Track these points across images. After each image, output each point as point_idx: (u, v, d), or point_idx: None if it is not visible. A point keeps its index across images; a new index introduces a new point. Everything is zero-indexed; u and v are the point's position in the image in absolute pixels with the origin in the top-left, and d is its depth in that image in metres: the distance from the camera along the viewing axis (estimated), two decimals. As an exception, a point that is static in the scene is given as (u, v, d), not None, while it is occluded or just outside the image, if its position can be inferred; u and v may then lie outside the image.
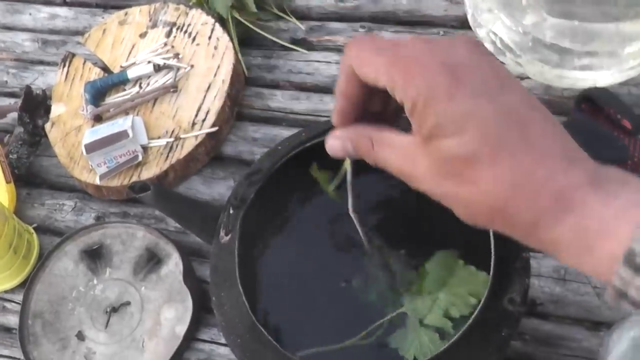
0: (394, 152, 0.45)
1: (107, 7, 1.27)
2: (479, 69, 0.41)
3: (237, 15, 1.07)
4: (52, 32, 1.27)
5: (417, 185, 0.44)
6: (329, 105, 1.04)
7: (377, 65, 0.43)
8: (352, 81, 0.46)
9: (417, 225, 0.73)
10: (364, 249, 0.67)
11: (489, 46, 0.95)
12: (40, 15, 1.30)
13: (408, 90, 0.41)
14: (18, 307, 0.98)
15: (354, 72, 0.46)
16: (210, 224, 0.78)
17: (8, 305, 1.00)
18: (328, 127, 0.74)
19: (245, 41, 1.11)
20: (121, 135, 0.98)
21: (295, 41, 1.11)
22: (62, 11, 1.29)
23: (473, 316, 0.61)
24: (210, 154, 1.02)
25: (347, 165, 0.58)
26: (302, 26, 1.12)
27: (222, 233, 0.74)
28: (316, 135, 0.74)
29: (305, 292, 0.74)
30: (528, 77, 0.96)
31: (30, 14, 1.31)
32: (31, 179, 1.11)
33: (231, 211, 0.73)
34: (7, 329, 0.98)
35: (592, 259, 0.38)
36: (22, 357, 0.91)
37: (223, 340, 0.88)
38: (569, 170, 0.39)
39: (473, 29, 0.99)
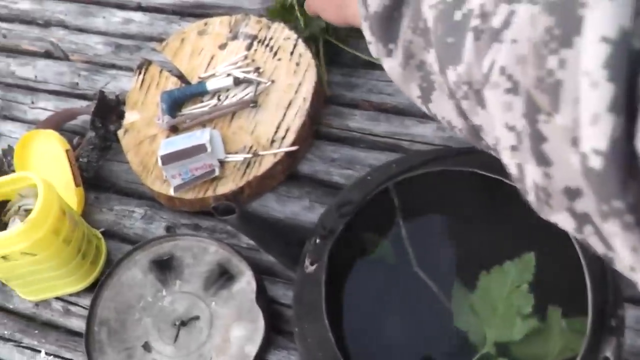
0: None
1: (184, 15, 1.26)
2: None
3: (328, 37, 1.07)
4: (126, 36, 1.28)
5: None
6: (410, 129, 1.02)
7: None
8: None
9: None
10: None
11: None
12: (114, 19, 1.30)
13: None
14: (82, 311, 0.98)
15: None
16: (292, 250, 0.77)
17: (72, 308, 1.00)
18: (419, 162, 0.73)
19: (330, 59, 1.10)
20: (199, 149, 0.97)
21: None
22: (137, 16, 1.29)
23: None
24: (287, 172, 1.01)
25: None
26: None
27: (307, 262, 0.73)
28: (407, 169, 0.72)
29: (387, 329, 0.73)
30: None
31: (104, 17, 1.31)
32: (100, 183, 1.10)
33: (318, 241, 0.72)
34: (71, 332, 0.98)
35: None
36: (86, 363, 0.91)
37: (297, 365, 0.87)
38: None
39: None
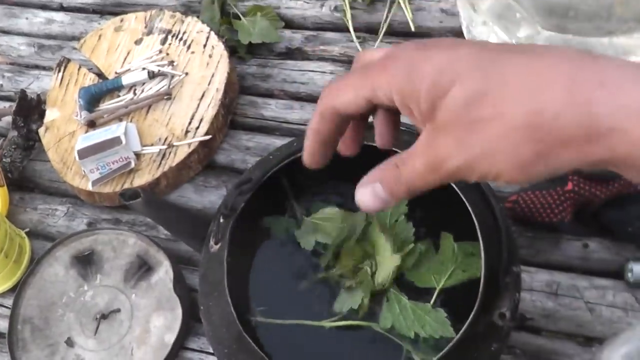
0: (418, 157, 0.39)
1: (104, 13, 1.27)
2: (441, 40, 0.40)
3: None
4: (49, 36, 1.28)
5: (455, 171, 0.38)
6: (323, 115, 1.03)
7: (353, 86, 0.42)
8: (327, 117, 0.44)
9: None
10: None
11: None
12: (37, 19, 1.30)
13: (391, 85, 0.39)
14: (8, 312, 0.98)
15: (329, 108, 0.44)
16: (201, 233, 0.77)
17: (-2, 309, 1.00)
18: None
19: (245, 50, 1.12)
20: (114, 142, 0.97)
21: (290, 50, 1.11)
22: (59, 16, 1.29)
23: (462, 330, 0.61)
24: (203, 163, 1.02)
25: None
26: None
27: (211, 242, 0.74)
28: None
29: (293, 301, 0.74)
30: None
31: (27, 18, 1.31)
32: (24, 183, 1.10)
33: (221, 220, 0.73)
34: (-3, 334, 0.98)
35: None
36: (10, 363, 0.91)
37: (212, 350, 0.88)
38: (599, 60, 0.34)
39: (468, 41, 0.99)
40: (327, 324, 0.71)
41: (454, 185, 0.67)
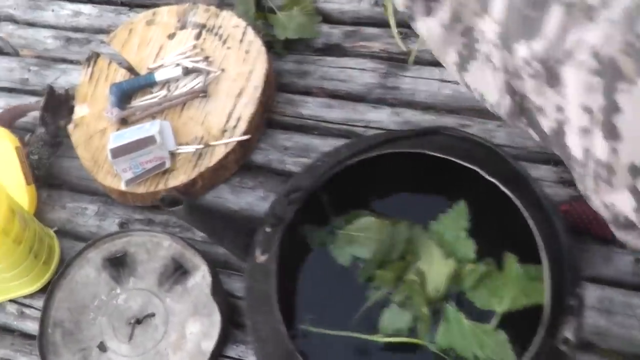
0: None
1: (133, 6, 1.24)
2: None
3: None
4: (76, 29, 1.24)
5: None
6: (364, 115, 1.00)
7: None
8: None
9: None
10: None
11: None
12: (64, 12, 1.27)
13: None
14: (37, 313, 0.95)
15: None
16: (244, 241, 0.75)
17: (27, 310, 0.97)
18: (369, 144, 0.72)
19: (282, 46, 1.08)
20: (149, 141, 0.94)
21: (328, 46, 1.07)
22: (87, 8, 1.26)
23: (525, 356, 0.58)
24: (240, 162, 0.99)
25: None
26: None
27: (257, 252, 0.71)
28: (356, 152, 0.71)
29: (341, 311, 0.71)
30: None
31: (53, 11, 1.28)
32: (52, 180, 1.08)
33: (268, 230, 0.70)
34: (26, 335, 0.95)
35: None
36: (41, 366, 0.88)
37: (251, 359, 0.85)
38: None
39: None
40: (379, 339, 0.69)
41: (517, 202, 0.64)
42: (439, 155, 0.68)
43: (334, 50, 1.08)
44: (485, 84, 0.47)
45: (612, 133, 0.37)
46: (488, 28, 0.44)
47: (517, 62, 0.43)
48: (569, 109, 0.40)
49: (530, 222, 0.63)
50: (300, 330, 0.70)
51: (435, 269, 0.68)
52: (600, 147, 0.39)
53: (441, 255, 0.68)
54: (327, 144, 0.99)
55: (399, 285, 0.70)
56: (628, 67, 0.35)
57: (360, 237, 0.73)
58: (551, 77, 0.40)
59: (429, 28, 0.50)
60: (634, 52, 0.34)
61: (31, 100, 1.17)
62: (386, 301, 0.70)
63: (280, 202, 0.71)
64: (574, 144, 0.41)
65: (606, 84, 0.37)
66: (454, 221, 0.70)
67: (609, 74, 0.37)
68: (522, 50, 0.42)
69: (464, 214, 0.69)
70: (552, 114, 0.42)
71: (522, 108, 0.45)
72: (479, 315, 0.66)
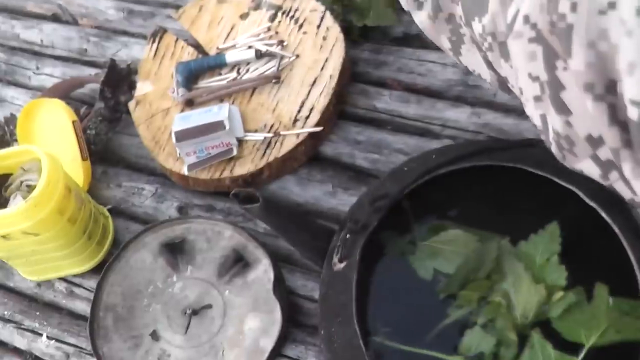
0: None
1: (202, -19, 1.19)
2: None
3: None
4: (140, 2, 1.20)
5: None
6: (442, 113, 0.95)
7: None
8: None
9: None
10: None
11: None
12: (128, -18, 1.23)
13: None
14: (87, 294, 0.93)
15: None
16: (319, 243, 0.71)
17: (77, 290, 0.94)
18: (461, 153, 0.67)
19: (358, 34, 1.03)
20: (217, 126, 0.90)
21: (408, 37, 1.02)
22: (153, -20, 1.22)
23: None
24: (309, 154, 0.94)
25: None
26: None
27: (335, 259, 0.67)
28: (447, 162, 0.66)
29: (418, 326, 0.67)
30: None
31: (116, -20, 1.24)
32: (108, 157, 1.04)
33: (348, 236, 0.66)
34: (74, 315, 0.93)
35: None
36: (90, 349, 0.85)
37: (311, 360, 0.82)
38: None
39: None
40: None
41: (615, 228, 0.59)
42: (538, 172, 0.63)
43: (414, 41, 1.02)
44: (478, 64, 0.50)
45: (562, 108, 0.39)
46: (459, 11, 0.48)
47: (476, 38, 0.46)
48: (521, 79, 0.42)
49: (629, 252, 0.58)
50: (373, 342, 0.66)
51: (525, 294, 0.64)
52: (556, 120, 0.40)
53: (531, 280, 0.64)
54: (400, 141, 0.94)
55: (483, 305, 0.65)
56: (557, 46, 0.37)
57: (445, 251, 0.68)
58: (502, 49, 0.43)
59: (422, 21, 0.53)
60: (559, 32, 0.36)
61: (89, 71, 1.14)
62: (467, 321, 0.65)
63: (362, 207, 0.67)
64: (533, 114, 0.43)
65: (545, 54, 0.39)
66: (546, 243, 0.65)
67: (545, 45, 0.38)
68: (476, 26, 0.45)
69: (556, 237, 0.64)
70: (515, 85, 0.44)
71: (500, 80, 0.48)
72: (565, 346, 0.61)
